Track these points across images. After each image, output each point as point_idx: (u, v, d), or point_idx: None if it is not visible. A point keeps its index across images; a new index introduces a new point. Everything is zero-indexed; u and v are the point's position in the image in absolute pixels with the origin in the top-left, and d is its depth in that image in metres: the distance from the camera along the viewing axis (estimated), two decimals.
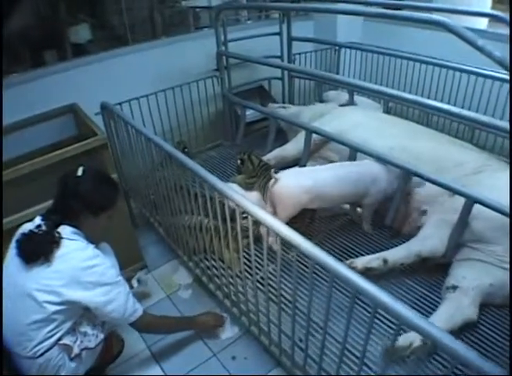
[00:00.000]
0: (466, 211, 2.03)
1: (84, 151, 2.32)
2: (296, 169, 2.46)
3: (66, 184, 1.72)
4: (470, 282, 2.03)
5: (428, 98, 3.29)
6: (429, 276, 2.26)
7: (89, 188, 1.72)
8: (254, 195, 2.57)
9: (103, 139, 2.40)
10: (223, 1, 3.60)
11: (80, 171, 1.73)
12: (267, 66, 3.07)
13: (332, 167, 2.42)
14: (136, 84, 3.14)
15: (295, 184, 2.26)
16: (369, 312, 1.35)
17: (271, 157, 3.03)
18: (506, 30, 2.64)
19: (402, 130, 2.71)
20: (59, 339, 1.67)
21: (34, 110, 2.73)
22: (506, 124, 1.74)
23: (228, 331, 2.33)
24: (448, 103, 3.33)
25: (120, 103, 2.95)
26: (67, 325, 1.68)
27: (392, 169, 2.34)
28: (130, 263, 2.71)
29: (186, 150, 3.22)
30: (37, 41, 3.08)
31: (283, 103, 3.86)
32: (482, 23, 3.70)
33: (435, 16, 1.73)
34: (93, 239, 1.78)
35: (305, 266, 2.02)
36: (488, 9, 3.61)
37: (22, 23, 2.96)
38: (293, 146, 3.02)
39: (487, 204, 1.92)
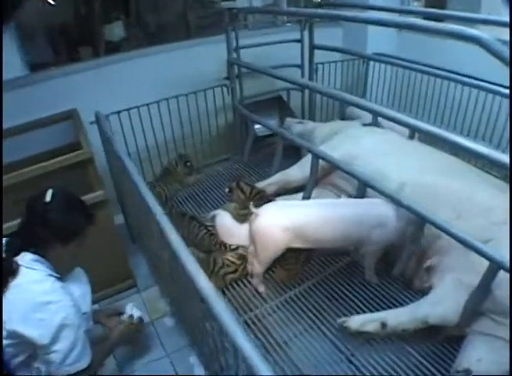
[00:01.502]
0: (490, 276, 1.67)
1: (67, 165, 2.16)
2: (280, 203, 2.17)
3: (33, 210, 1.60)
4: (486, 367, 1.69)
5: (470, 124, 3.02)
6: (428, 336, 1.91)
7: (58, 216, 1.60)
8: (245, 229, 2.26)
9: (87, 154, 2.21)
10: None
11: (48, 196, 1.59)
12: (285, 77, 2.72)
13: (323, 204, 2.12)
14: (140, 90, 2.90)
15: (273, 221, 2.00)
16: None
17: (272, 181, 2.72)
18: None
19: (423, 161, 2.33)
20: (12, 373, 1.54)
21: (35, 115, 2.58)
22: None
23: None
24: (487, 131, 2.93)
25: (118, 112, 2.75)
26: (19, 359, 1.54)
27: (403, 212, 1.99)
28: (118, 281, 2.59)
29: (189, 163, 2.95)
30: None
31: (303, 117, 3.53)
32: None
33: (470, 30, 1.36)
34: (60, 268, 1.66)
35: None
36: None
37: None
38: (298, 171, 2.70)
39: None
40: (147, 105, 2.85)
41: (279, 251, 2.04)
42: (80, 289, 1.78)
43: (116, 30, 3.13)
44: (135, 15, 3.27)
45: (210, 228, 2.32)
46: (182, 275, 1.37)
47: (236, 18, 2.84)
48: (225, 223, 2.29)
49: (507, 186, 2.17)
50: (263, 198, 2.31)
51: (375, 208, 2.05)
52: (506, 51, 1.19)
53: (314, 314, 2.05)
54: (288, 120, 3.28)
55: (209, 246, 2.28)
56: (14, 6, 2.54)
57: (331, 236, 2.02)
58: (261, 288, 2.14)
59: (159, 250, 1.82)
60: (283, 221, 1.98)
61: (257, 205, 2.24)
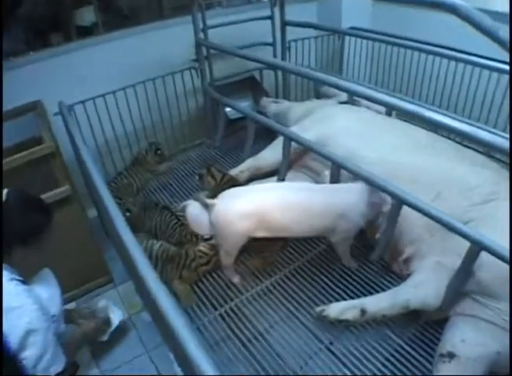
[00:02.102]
0: (471, 258, 1.59)
1: (30, 160, 2.08)
2: (239, 189, 2.03)
3: None
4: (470, 349, 1.62)
5: (450, 96, 2.91)
6: (410, 320, 1.85)
7: (15, 216, 1.54)
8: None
9: (50, 148, 2.12)
10: None
11: (3, 196, 1.53)
12: (254, 57, 2.58)
13: (286, 188, 2.00)
14: (108, 77, 2.78)
15: (232, 209, 1.87)
16: None
17: (244, 168, 2.58)
18: None
19: (399, 140, 2.22)
20: None
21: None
22: None
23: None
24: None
25: (83, 102, 2.60)
26: None
27: (371, 196, 1.90)
28: (93, 277, 2.55)
29: (159, 151, 2.83)
30: None
31: (277, 96, 3.41)
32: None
33: None
34: (25, 270, 1.61)
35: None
36: None
37: None
38: (270, 155, 2.57)
39: (498, 254, 1.47)
40: (113, 93, 2.71)
41: (242, 240, 1.93)
42: (47, 291, 1.73)
43: (86, 15, 2.97)
44: None
45: (181, 218, 2.22)
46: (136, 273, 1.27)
47: None
48: (195, 214, 2.18)
49: (491, 162, 2.08)
50: (234, 185, 2.20)
51: (339, 196, 1.93)
52: (484, 18, 1.09)
53: (291, 303, 1.97)
54: (264, 99, 3.16)
55: (179, 237, 2.18)
56: None
57: (295, 225, 1.90)
58: (235, 279, 2.05)
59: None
60: (240, 208, 1.86)
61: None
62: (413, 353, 1.74)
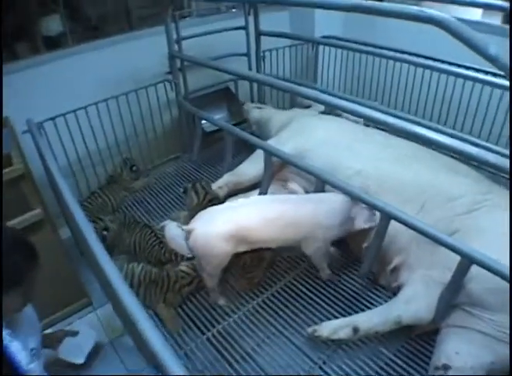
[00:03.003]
0: (462, 272, 1.57)
1: None
2: (213, 209, 1.95)
3: None
4: (465, 360, 1.60)
5: (426, 103, 2.92)
6: (401, 334, 1.81)
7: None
8: None
9: (18, 170, 1.98)
10: None
11: None
12: (228, 69, 2.52)
13: (260, 200, 1.96)
14: (76, 92, 2.63)
15: (210, 233, 1.80)
16: None
17: (222, 183, 2.51)
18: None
19: (380, 150, 2.21)
20: None
21: None
22: None
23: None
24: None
25: (53, 118, 2.50)
26: None
27: (345, 207, 1.89)
28: (71, 301, 2.41)
29: (135, 167, 2.74)
30: None
31: None
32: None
33: (431, 12, 1.23)
34: (6, 318, 1.41)
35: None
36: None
37: None
38: (249, 169, 2.51)
39: (489, 267, 1.46)
40: (85, 108, 2.60)
41: (224, 261, 1.87)
42: (29, 326, 1.62)
43: (53, 24, 2.82)
44: (73, 6, 2.96)
45: (160, 236, 2.14)
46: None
47: (170, 7, 2.60)
48: (175, 234, 2.11)
49: (472, 171, 2.08)
50: (217, 203, 2.13)
51: (313, 205, 1.91)
52: (476, 37, 1.07)
53: (279, 322, 1.92)
54: (247, 104, 3.12)
55: (158, 255, 2.11)
56: None
57: (274, 236, 1.88)
58: (221, 301, 1.98)
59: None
60: (219, 230, 1.80)
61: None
62: (404, 366, 1.72)
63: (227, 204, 2.02)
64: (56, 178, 1.74)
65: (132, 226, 2.18)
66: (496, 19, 3.16)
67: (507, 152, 2.10)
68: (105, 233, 2.19)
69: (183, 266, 2.03)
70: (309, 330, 1.81)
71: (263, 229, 1.83)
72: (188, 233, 1.83)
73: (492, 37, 1.41)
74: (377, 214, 1.84)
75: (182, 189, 2.28)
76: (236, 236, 1.81)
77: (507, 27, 3.02)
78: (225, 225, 1.81)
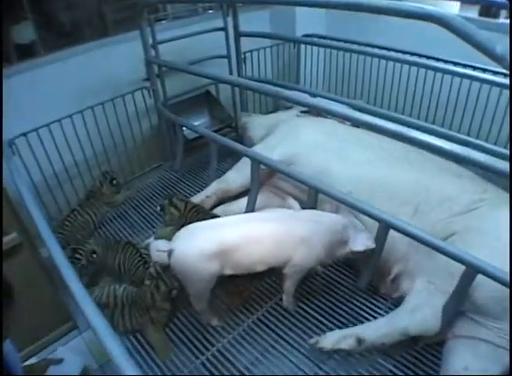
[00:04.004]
0: (467, 281, 1.49)
1: None
2: (194, 226, 1.81)
3: None
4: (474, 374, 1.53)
5: (413, 100, 2.85)
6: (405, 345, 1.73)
7: None
8: None
9: None
10: None
11: None
12: (207, 74, 2.41)
13: (242, 220, 1.81)
14: (49, 105, 2.49)
15: (194, 251, 1.66)
16: None
17: (210, 192, 2.41)
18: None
19: (370, 152, 2.13)
20: None
21: None
22: None
23: None
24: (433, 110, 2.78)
25: (25, 134, 2.35)
26: None
27: (333, 226, 1.78)
28: (55, 326, 2.28)
29: (115, 181, 2.60)
30: None
31: (234, 110, 3.24)
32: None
33: (427, 8, 1.15)
34: None
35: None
36: None
37: None
38: (236, 177, 2.41)
39: (495, 277, 1.39)
40: (59, 121, 2.46)
41: (210, 283, 1.73)
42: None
43: (25, 32, 2.65)
44: (45, 12, 2.78)
45: (145, 255, 2.02)
46: None
47: (144, 11, 2.47)
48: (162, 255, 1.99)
49: (465, 171, 2.02)
50: (199, 212, 2.02)
51: (298, 225, 1.79)
52: (480, 35, 0.98)
53: (276, 339, 1.83)
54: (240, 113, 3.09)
55: (143, 275, 1.97)
56: None
57: (254, 258, 1.74)
58: (214, 322, 1.87)
59: None
60: (208, 246, 1.66)
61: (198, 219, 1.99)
62: None
63: (209, 221, 1.87)
64: (27, 205, 1.61)
65: (115, 246, 2.05)
66: (473, 13, 3.14)
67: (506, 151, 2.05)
68: (95, 256, 2.06)
69: (151, 268, 1.91)
70: (311, 341, 1.73)
71: (248, 249, 1.70)
72: (168, 253, 1.68)
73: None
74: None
75: (158, 208, 2.15)
76: (219, 255, 1.67)
77: (489, 20, 3.00)
78: (207, 243, 1.67)
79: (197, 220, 1.97)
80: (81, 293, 1.15)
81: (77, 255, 2.05)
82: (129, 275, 2.02)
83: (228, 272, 1.74)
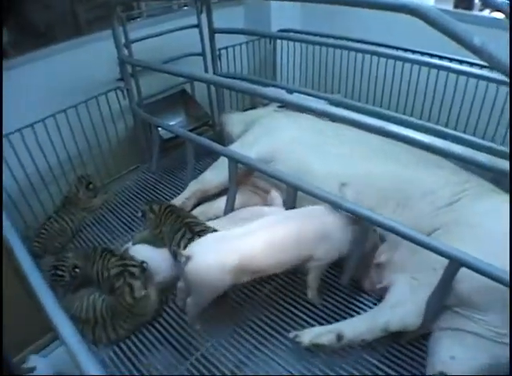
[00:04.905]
0: (450, 274, 1.48)
1: None
2: (217, 235, 1.76)
3: None
4: (461, 365, 1.53)
5: (391, 93, 2.84)
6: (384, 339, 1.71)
7: None
8: (160, 254, 1.95)
9: None
10: None
11: None
12: (181, 72, 2.35)
13: (264, 226, 1.74)
14: (19, 109, 2.40)
15: (215, 263, 1.60)
16: None
17: (189, 194, 2.35)
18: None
19: (349, 147, 2.12)
20: None
21: None
22: None
23: None
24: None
25: None
26: None
27: (347, 216, 1.74)
28: (35, 337, 2.18)
29: (91, 185, 2.54)
30: None
31: (211, 108, 3.20)
32: None
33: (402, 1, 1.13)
34: None
35: None
36: None
37: None
38: (214, 176, 2.35)
39: (478, 268, 1.38)
40: (31, 126, 2.38)
41: (218, 294, 1.69)
42: None
43: None
44: (16, 13, 2.72)
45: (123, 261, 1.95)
46: None
47: (115, 9, 2.41)
48: (145, 259, 1.93)
49: (445, 162, 2.01)
50: (173, 212, 1.97)
51: (316, 220, 1.76)
52: (457, 27, 0.96)
53: (259, 339, 1.80)
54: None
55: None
56: None
57: (280, 262, 1.71)
58: (197, 326, 1.83)
59: None
60: (230, 259, 1.61)
61: (171, 220, 1.94)
62: (391, 372, 1.65)
63: (226, 231, 1.78)
64: None
65: (92, 255, 1.99)
66: (448, 5, 3.16)
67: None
68: (77, 270, 1.98)
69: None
70: (291, 335, 1.70)
71: (269, 256, 1.67)
72: (184, 259, 1.62)
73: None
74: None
75: (139, 214, 2.11)
76: (239, 267, 1.62)
77: (463, 11, 3.01)
78: (228, 255, 1.62)
79: (171, 221, 1.94)
80: (52, 304, 1.09)
81: (60, 272, 1.95)
82: (108, 283, 1.96)
83: (244, 280, 1.71)
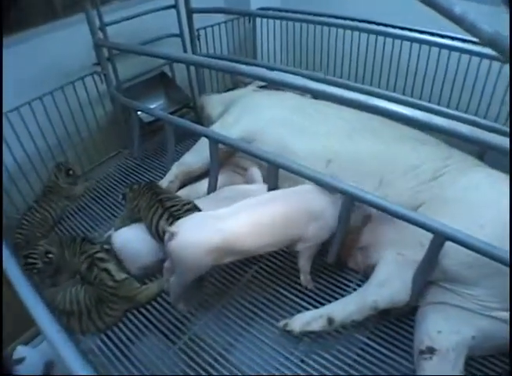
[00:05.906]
0: (435, 249, 1.48)
1: None
2: (202, 215, 1.74)
3: None
4: (448, 338, 1.54)
5: (372, 70, 2.81)
6: (371, 316, 1.70)
7: None
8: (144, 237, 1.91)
9: None
10: None
11: None
12: (158, 53, 2.29)
13: (251, 206, 1.71)
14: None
15: (198, 241, 1.58)
16: None
17: (172, 177, 2.30)
18: None
19: (331, 125, 2.08)
20: None
21: None
22: None
23: None
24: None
25: None
26: None
27: (337, 195, 1.72)
28: (19, 332, 2.15)
29: (71, 171, 2.48)
30: None
31: (191, 90, 3.15)
32: None
33: None
34: None
35: None
36: None
37: None
38: (196, 158, 2.31)
39: (462, 242, 1.38)
40: (5, 114, 2.29)
41: (201, 273, 1.68)
42: None
43: None
44: None
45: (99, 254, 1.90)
46: None
47: None
48: (126, 241, 1.90)
49: (428, 137, 2.00)
50: (151, 189, 1.96)
51: (304, 198, 1.75)
52: None
53: (248, 321, 1.80)
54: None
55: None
56: None
57: (266, 243, 1.68)
58: (181, 306, 1.81)
59: None
60: (213, 238, 1.58)
61: (149, 194, 1.93)
62: (379, 348, 1.67)
63: (212, 212, 1.73)
64: None
65: (71, 245, 1.95)
66: None
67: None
68: (50, 256, 1.94)
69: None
70: (280, 324, 1.69)
71: (255, 236, 1.64)
72: (171, 235, 1.59)
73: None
74: None
75: (120, 197, 2.07)
76: (222, 248, 1.60)
77: None
78: (214, 235, 1.59)
79: (147, 197, 1.93)
80: (30, 296, 1.06)
81: (31, 260, 1.90)
82: (91, 275, 1.92)
83: (228, 260, 1.69)
